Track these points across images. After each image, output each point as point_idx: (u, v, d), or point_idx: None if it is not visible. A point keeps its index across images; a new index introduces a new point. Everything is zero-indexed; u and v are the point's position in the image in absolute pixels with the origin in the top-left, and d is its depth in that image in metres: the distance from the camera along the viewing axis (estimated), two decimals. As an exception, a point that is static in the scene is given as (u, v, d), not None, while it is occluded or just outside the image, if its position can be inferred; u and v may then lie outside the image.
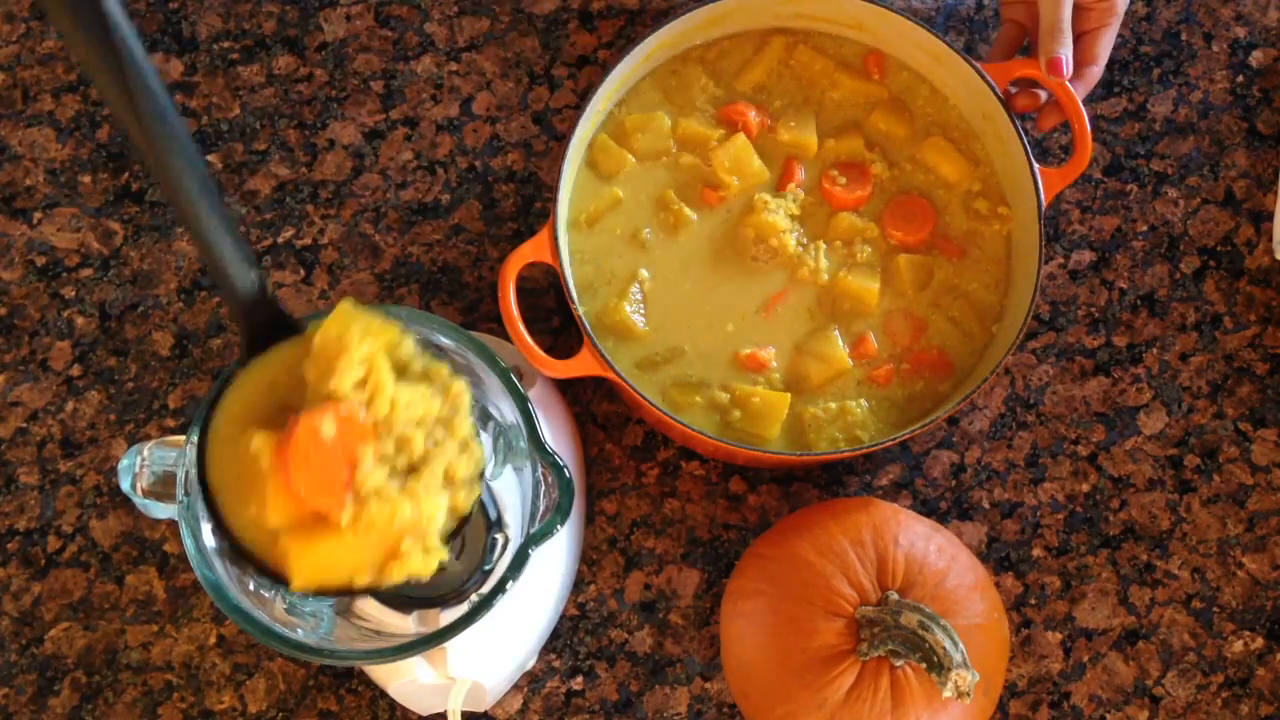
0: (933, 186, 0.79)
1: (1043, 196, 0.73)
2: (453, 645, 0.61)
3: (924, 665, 0.64)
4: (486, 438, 0.59)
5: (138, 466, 0.59)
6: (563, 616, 0.77)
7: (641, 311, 0.75)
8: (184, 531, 0.58)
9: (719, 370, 0.75)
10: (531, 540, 0.58)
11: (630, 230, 0.77)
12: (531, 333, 0.70)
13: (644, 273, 0.76)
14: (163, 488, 0.59)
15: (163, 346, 0.81)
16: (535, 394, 0.72)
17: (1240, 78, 0.88)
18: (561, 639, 0.76)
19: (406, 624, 0.65)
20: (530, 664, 0.75)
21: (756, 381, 0.75)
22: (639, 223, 0.77)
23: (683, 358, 0.75)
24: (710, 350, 0.75)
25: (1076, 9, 0.75)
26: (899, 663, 0.66)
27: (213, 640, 0.76)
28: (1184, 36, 0.88)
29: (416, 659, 0.63)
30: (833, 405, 0.74)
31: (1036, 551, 0.78)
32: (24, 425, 0.79)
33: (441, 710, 0.70)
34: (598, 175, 0.78)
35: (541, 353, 0.69)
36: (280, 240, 0.83)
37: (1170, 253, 0.84)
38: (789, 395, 0.74)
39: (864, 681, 0.66)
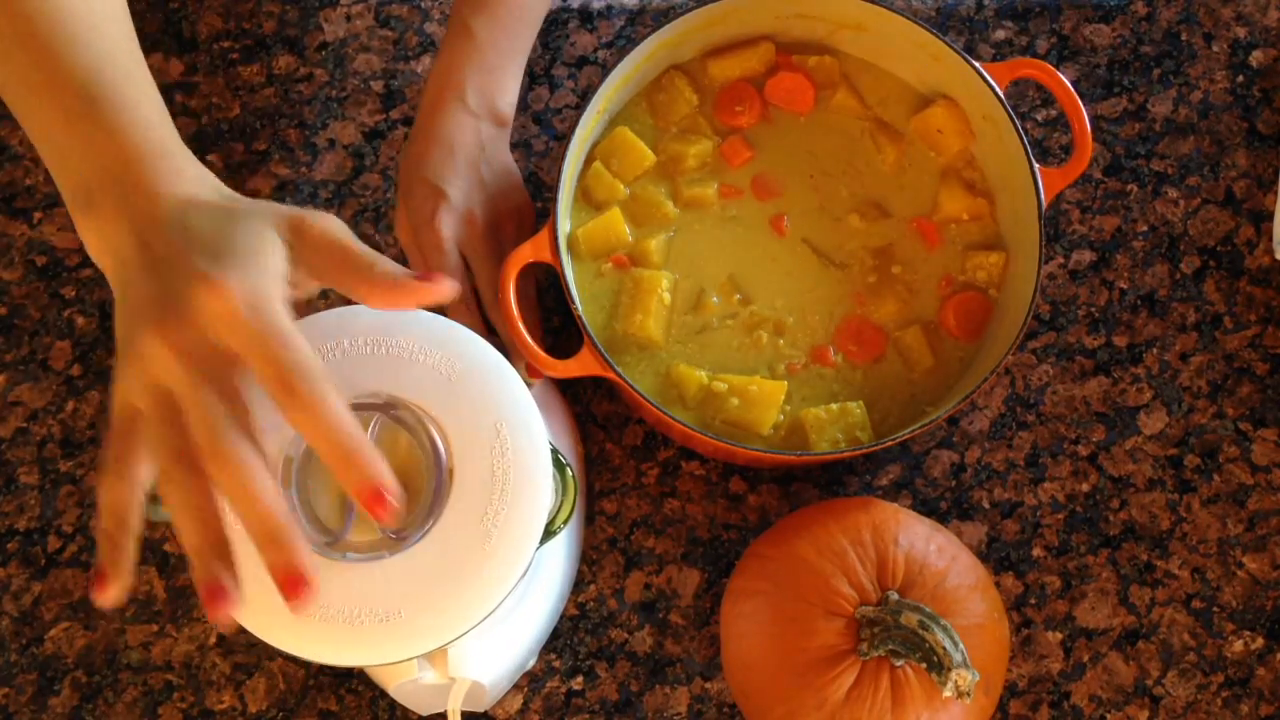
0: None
1: (1043, 196, 0.73)
2: (453, 645, 0.60)
3: (924, 665, 0.64)
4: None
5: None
6: (563, 616, 0.77)
7: (662, 324, 0.76)
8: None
9: (725, 360, 0.76)
10: (532, 540, 0.58)
11: (640, 245, 0.77)
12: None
13: (665, 283, 0.76)
14: (163, 488, 0.59)
15: (163, 346, 0.80)
16: (535, 394, 0.72)
17: (1240, 78, 0.88)
18: (561, 639, 0.76)
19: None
20: (530, 664, 0.75)
21: (756, 370, 0.75)
22: (652, 232, 0.78)
23: (696, 356, 0.76)
24: (724, 342, 0.76)
25: None
26: (899, 663, 0.66)
27: (213, 640, 0.76)
28: (1184, 36, 0.88)
29: (416, 659, 0.63)
30: (834, 406, 0.74)
31: (1036, 551, 0.78)
32: (24, 425, 0.79)
33: (441, 710, 0.70)
34: (591, 205, 0.78)
35: (542, 353, 0.69)
36: (280, 240, 0.82)
37: (1170, 253, 0.84)
38: (785, 384, 0.74)
39: (864, 681, 0.66)
